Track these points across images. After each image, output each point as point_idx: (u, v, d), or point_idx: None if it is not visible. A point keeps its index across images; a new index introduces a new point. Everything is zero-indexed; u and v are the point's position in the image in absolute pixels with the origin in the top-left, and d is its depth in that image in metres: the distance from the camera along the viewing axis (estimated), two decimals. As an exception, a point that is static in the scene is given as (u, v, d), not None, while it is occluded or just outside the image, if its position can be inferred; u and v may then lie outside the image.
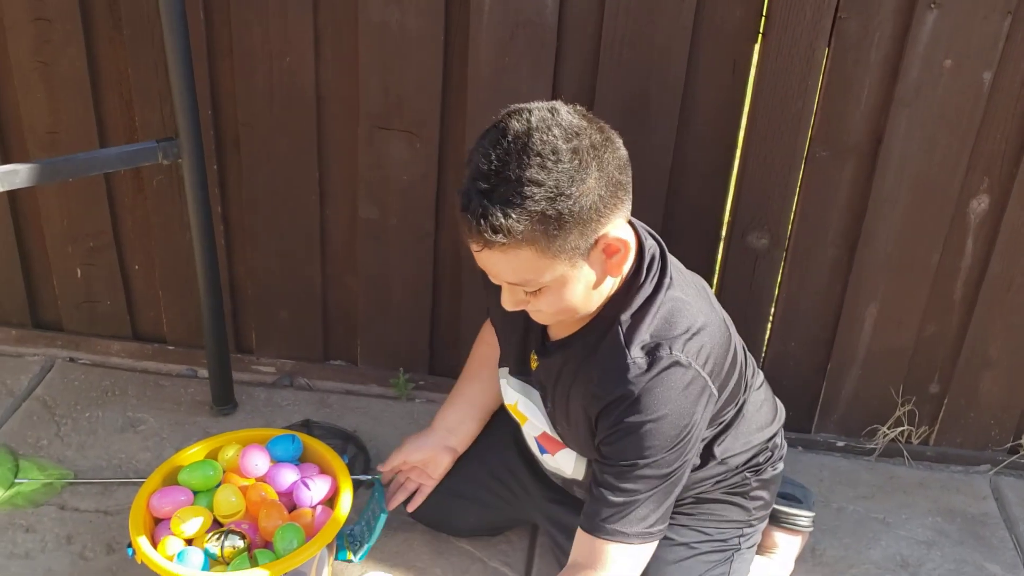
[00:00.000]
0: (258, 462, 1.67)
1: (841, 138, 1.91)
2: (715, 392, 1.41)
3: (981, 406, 2.16)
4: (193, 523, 1.58)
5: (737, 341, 1.55)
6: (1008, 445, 2.21)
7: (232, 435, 1.76)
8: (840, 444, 2.22)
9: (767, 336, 2.14)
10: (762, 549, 1.81)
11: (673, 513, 1.53)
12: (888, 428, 2.18)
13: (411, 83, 1.96)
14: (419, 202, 2.09)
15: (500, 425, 1.80)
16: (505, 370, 1.61)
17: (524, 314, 1.47)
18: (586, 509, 1.46)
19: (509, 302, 1.36)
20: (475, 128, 1.97)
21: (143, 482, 1.66)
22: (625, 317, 1.37)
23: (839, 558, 1.93)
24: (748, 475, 1.64)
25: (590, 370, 1.40)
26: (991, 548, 1.99)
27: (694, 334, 1.38)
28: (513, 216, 1.20)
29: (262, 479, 1.67)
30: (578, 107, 1.29)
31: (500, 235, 1.21)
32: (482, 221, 1.21)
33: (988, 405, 2.16)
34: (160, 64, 1.95)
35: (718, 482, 1.62)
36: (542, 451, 1.65)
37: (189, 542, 1.58)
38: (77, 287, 2.29)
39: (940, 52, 1.80)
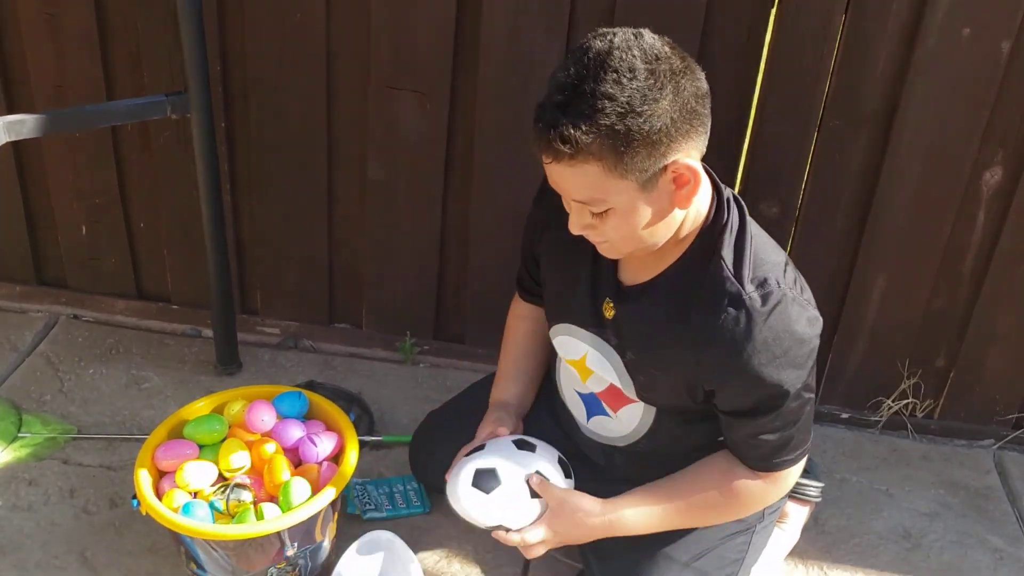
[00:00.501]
0: (264, 417, 1.66)
1: (855, 107, 1.90)
2: (819, 316, 1.40)
3: (986, 381, 2.16)
4: (199, 476, 1.57)
5: None
6: (1012, 419, 2.20)
7: (238, 391, 1.75)
8: (845, 416, 2.22)
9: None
10: (775, 520, 1.81)
11: None
12: (893, 401, 2.18)
13: (423, 42, 1.94)
14: (428, 165, 2.08)
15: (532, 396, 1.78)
16: (567, 325, 1.56)
17: (590, 263, 1.47)
18: (749, 453, 1.47)
19: (576, 224, 1.35)
20: (487, 91, 1.96)
21: (147, 438, 1.65)
22: (726, 253, 1.36)
23: (842, 528, 1.94)
24: None
25: (693, 311, 1.37)
26: (993, 521, 1.99)
27: (785, 265, 1.39)
28: (583, 128, 1.21)
29: (268, 434, 1.67)
30: (664, 37, 1.29)
31: (568, 146, 1.22)
32: (552, 131, 1.22)
33: (993, 380, 2.15)
34: (170, 18, 1.92)
35: None
36: (598, 412, 1.61)
37: (194, 495, 1.57)
38: (82, 244, 2.28)
39: (959, 20, 1.78)
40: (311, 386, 2.12)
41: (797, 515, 1.84)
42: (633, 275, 1.46)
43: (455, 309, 2.27)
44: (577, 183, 1.28)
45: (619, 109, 1.20)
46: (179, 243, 2.24)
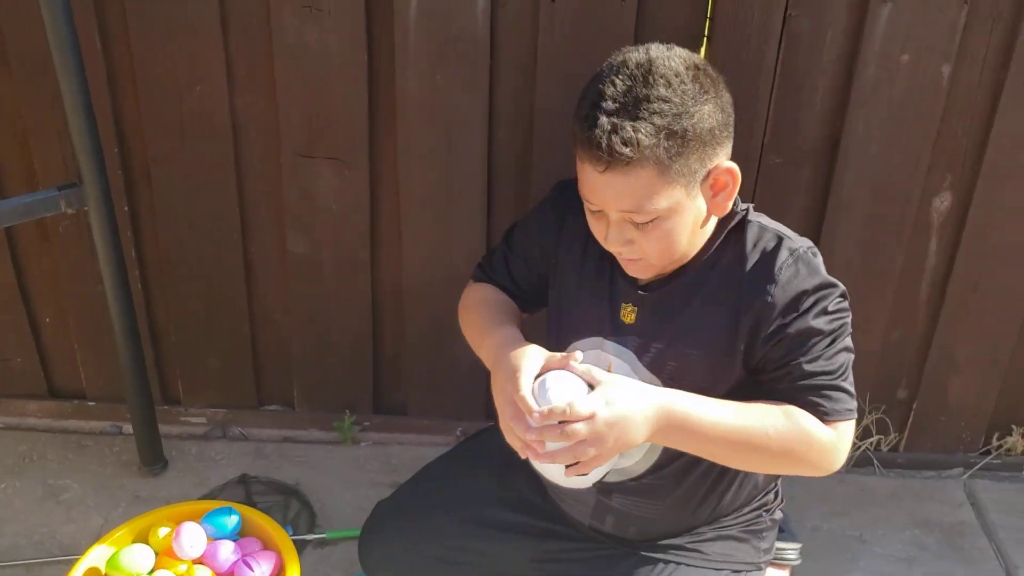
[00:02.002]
0: (194, 542, 1.51)
1: (795, 143, 1.81)
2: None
3: (951, 409, 2.09)
4: (123, 618, 1.42)
5: None
6: (980, 448, 2.14)
7: (163, 511, 1.60)
8: (809, 457, 2.13)
9: (729, 351, 2.04)
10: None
11: (690, 552, 1.51)
12: (858, 439, 2.10)
13: (335, 107, 1.81)
14: (352, 233, 1.95)
15: (482, 478, 1.66)
16: (597, 339, 1.46)
17: (607, 273, 1.45)
18: (809, 410, 1.34)
19: (615, 241, 1.34)
20: (408, 153, 1.84)
21: (68, 560, 1.50)
22: (759, 220, 1.40)
23: (819, 583, 1.85)
24: (763, 513, 1.56)
25: (741, 270, 1.36)
26: (972, 560, 1.91)
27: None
28: (642, 130, 1.23)
29: (199, 560, 1.52)
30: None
31: (629, 148, 1.24)
32: (612, 136, 1.24)
33: (958, 408, 2.09)
34: (57, 100, 1.76)
35: (742, 510, 1.54)
36: None
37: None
38: (-17, 345, 2.11)
39: (896, 47, 1.70)
40: (244, 481, 1.98)
41: (777, 581, 1.75)
42: (646, 274, 1.43)
43: (394, 380, 2.14)
44: (629, 189, 1.28)
45: (674, 110, 1.24)
46: (90, 336, 2.08)
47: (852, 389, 1.40)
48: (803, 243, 1.38)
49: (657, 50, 1.30)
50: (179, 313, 2.05)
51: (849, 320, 1.39)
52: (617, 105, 1.25)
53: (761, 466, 1.43)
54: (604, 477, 1.48)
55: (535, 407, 1.27)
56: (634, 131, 1.23)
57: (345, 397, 2.14)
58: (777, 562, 1.73)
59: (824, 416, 1.36)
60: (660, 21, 1.72)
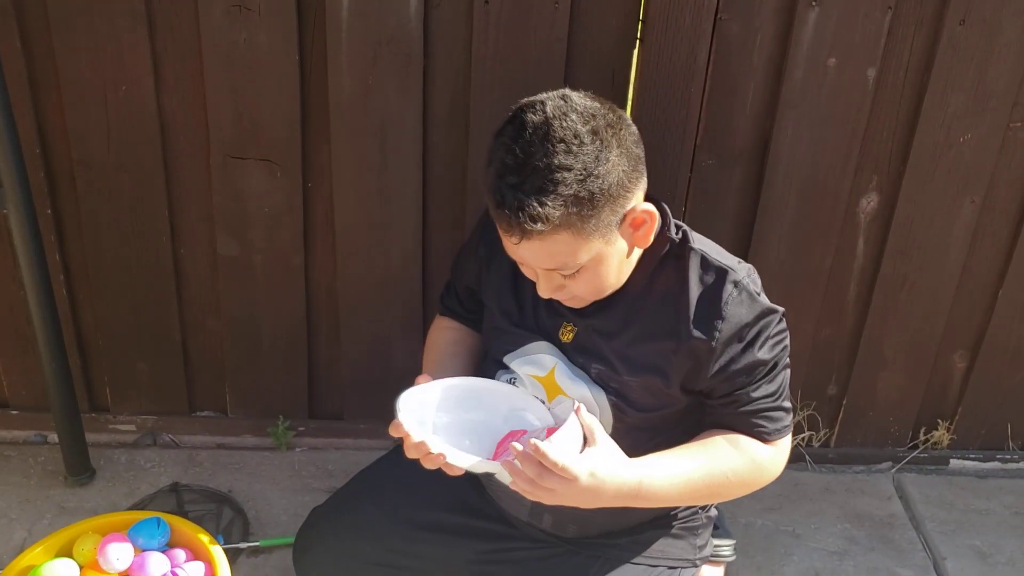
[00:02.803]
0: (120, 555, 1.47)
1: (727, 145, 1.83)
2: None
3: (879, 405, 2.13)
4: (48, 635, 1.38)
5: None
6: (908, 443, 2.19)
7: (87, 523, 1.55)
8: (743, 454, 2.16)
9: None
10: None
11: (627, 549, 1.53)
12: (790, 435, 2.13)
13: (266, 107, 1.78)
14: (285, 235, 1.92)
15: (419, 480, 1.65)
16: (528, 346, 1.48)
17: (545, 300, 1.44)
18: (746, 430, 1.42)
19: (546, 289, 1.36)
20: (342, 155, 1.82)
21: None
22: (699, 247, 1.39)
23: (754, 579, 1.87)
24: (699, 511, 1.59)
25: (683, 298, 1.37)
26: (901, 552, 1.96)
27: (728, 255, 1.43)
28: (548, 204, 1.22)
29: (126, 574, 1.48)
30: (584, 92, 1.31)
31: (539, 224, 1.23)
32: (520, 214, 1.23)
33: (886, 403, 2.13)
34: (-27, 100, 1.71)
35: (678, 508, 1.56)
36: None
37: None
38: (-103, 354, 2.03)
39: (824, 51, 1.73)
40: (175, 489, 1.94)
41: (713, 578, 1.76)
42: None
43: (330, 385, 2.11)
44: (548, 254, 1.29)
45: (578, 176, 1.23)
46: (11, 342, 2.01)
47: (789, 404, 1.47)
48: (743, 270, 1.39)
49: (553, 105, 1.26)
50: (106, 318, 2.00)
51: (787, 340, 1.43)
52: (519, 179, 1.23)
53: (719, 500, 1.50)
54: None
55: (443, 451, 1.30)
56: (541, 206, 1.22)
57: (279, 403, 2.10)
58: (713, 559, 1.75)
59: (766, 436, 1.44)
60: (593, 23, 1.73)
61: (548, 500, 1.29)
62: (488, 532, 1.60)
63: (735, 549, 1.79)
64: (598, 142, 1.24)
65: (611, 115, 1.28)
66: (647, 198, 1.41)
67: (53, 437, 2.03)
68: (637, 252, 1.38)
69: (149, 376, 2.07)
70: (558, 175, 1.22)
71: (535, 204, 1.22)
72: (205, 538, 1.53)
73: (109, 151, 1.82)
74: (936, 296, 2.01)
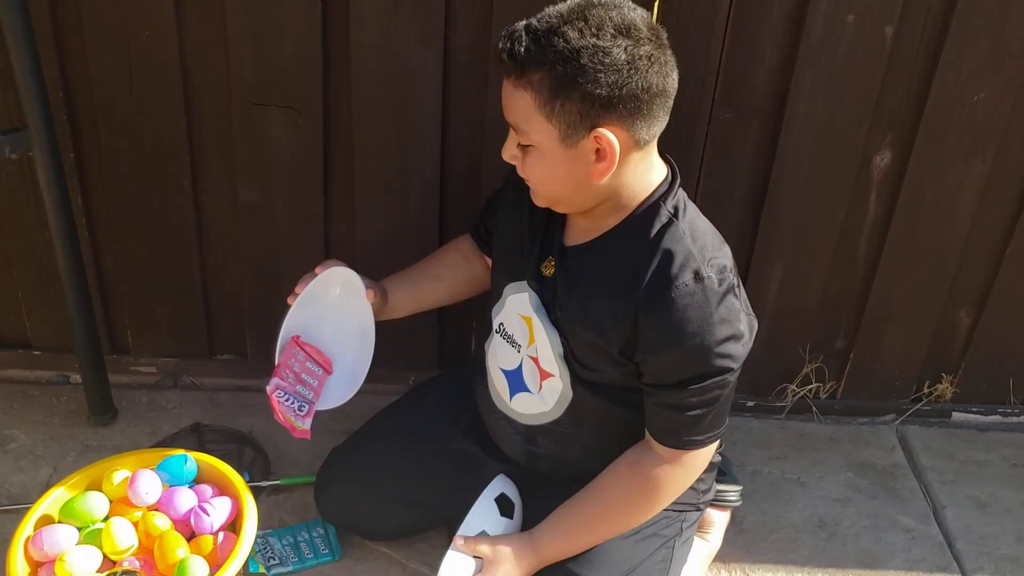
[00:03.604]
0: (149, 488, 1.52)
1: (745, 99, 1.85)
2: (755, 323, 1.47)
3: (884, 359, 2.17)
4: (82, 565, 1.42)
5: None
6: (912, 395, 2.23)
7: (117, 459, 1.59)
8: (750, 404, 2.21)
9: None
10: (697, 529, 1.78)
11: None
12: (797, 386, 2.17)
13: (288, 54, 1.80)
14: (305, 183, 1.94)
15: (436, 416, 1.71)
16: (518, 283, 1.53)
17: (543, 225, 1.50)
18: (661, 426, 1.45)
19: (505, 149, 1.40)
20: (362, 102, 1.84)
21: (19, 508, 1.48)
22: (684, 227, 1.38)
23: (759, 524, 1.92)
24: None
25: (646, 272, 1.37)
26: (902, 500, 2.01)
27: (733, 266, 1.42)
28: (532, 51, 1.25)
29: (155, 507, 1.53)
30: (658, 25, 1.32)
31: (513, 62, 1.26)
32: (508, 43, 1.27)
33: (891, 357, 2.17)
34: (0, 43, 1.72)
35: None
36: (520, 389, 1.56)
37: (79, 585, 1.43)
38: (-77, 293, 2.06)
39: (843, 8, 1.74)
40: (197, 429, 1.98)
41: (720, 522, 1.82)
42: (576, 237, 1.48)
43: (346, 330, 2.14)
44: (513, 104, 1.31)
45: (567, 54, 1.23)
46: (34, 284, 2.04)
47: (719, 428, 1.47)
48: (715, 267, 1.36)
49: (628, 9, 1.27)
50: (128, 262, 2.03)
51: (736, 363, 1.40)
52: (535, 24, 1.27)
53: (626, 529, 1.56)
54: (526, 423, 1.60)
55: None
56: (525, 50, 1.25)
57: (297, 346, 2.14)
58: (719, 504, 1.80)
59: (669, 446, 1.46)
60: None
61: None
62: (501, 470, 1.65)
63: (742, 495, 1.85)
64: (614, 47, 1.24)
65: (649, 46, 1.26)
66: (664, 160, 1.43)
67: (75, 377, 2.07)
68: (603, 186, 1.35)
69: (170, 320, 2.11)
70: (557, 40, 1.23)
71: (522, 45, 1.25)
72: (231, 474, 1.57)
73: (131, 96, 1.84)
74: (944, 252, 2.04)
